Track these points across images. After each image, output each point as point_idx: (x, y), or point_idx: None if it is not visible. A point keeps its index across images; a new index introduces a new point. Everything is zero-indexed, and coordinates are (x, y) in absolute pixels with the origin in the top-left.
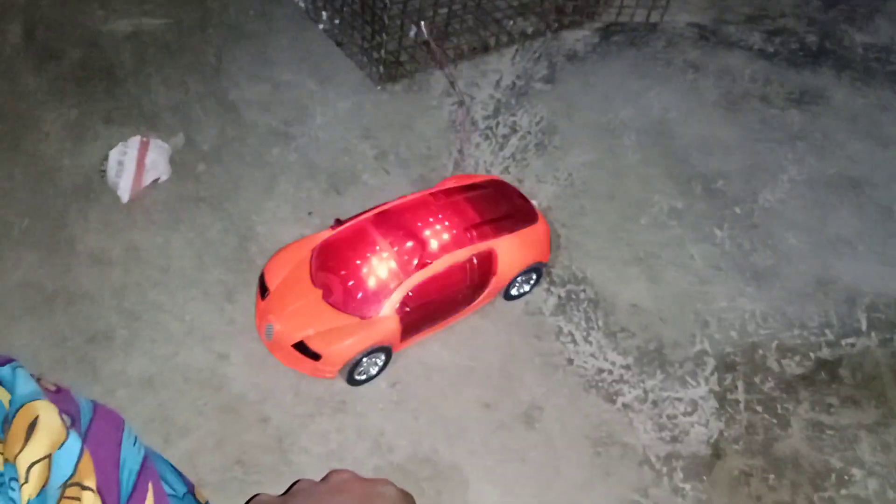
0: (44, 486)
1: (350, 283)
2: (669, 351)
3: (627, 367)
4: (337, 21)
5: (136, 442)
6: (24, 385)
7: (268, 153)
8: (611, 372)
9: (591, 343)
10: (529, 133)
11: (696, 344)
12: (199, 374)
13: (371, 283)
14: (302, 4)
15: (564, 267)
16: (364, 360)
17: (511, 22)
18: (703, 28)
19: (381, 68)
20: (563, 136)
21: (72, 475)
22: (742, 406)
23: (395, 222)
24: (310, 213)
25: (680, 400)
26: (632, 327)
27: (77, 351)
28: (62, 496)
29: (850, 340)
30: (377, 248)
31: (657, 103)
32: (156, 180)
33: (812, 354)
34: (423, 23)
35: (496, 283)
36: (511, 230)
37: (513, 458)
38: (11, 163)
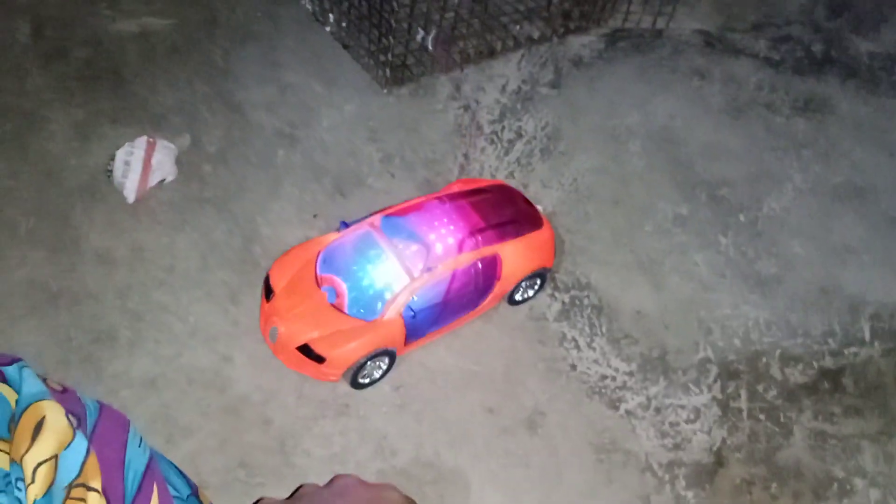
0: (50, 487)
1: (354, 286)
2: (673, 358)
3: (631, 374)
4: (344, 24)
5: (141, 443)
6: (31, 385)
7: (273, 155)
8: (614, 378)
9: (594, 349)
10: (535, 138)
11: (700, 351)
12: (202, 375)
13: (376, 286)
14: (309, 7)
15: (569, 272)
16: (368, 363)
17: (517, 27)
18: (708, 35)
19: (388, 71)
20: (569, 141)
21: (78, 476)
22: (745, 414)
23: (401, 226)
24: (315, 216)
25: (683, 407)
26: (635, 334)
27: (81, 350)
28: (68, 496)
29: (854, 349)
30: (382, 251)
31: (662, 110)
32: (162, 181)
33: (815, 363)
34: (430, 35)
35: (501, 287)
36: (516, 235)
37: (516, 464)
38: (18, 161)
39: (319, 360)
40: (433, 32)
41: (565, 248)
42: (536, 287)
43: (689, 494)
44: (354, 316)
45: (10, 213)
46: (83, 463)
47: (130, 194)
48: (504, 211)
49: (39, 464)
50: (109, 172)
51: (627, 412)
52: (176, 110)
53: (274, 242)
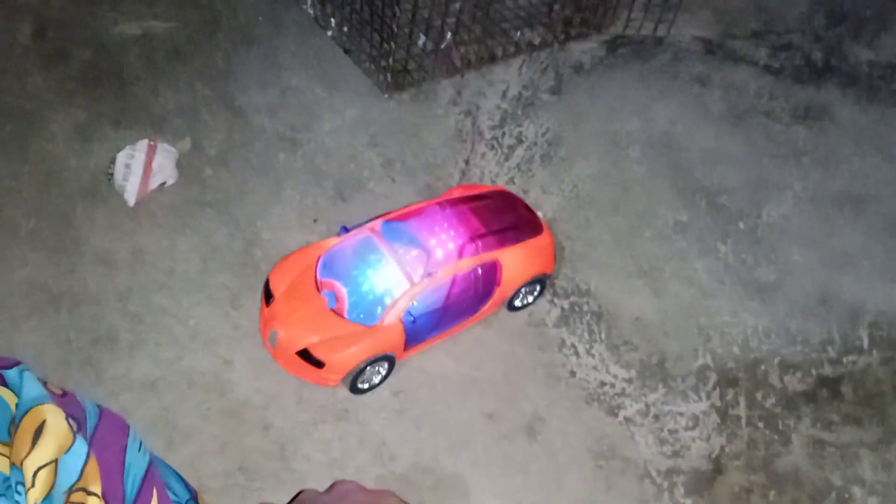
0: (50, 491)
1: (354, 291)
2: (672, 365)
3: (630, 381)
4: (346, 28)
5: (140, 447)
6: (32, 388)
7: (274, 159)
8: (613, 385)
9: (593, 356)
10: (535, 144)
11: (699, 358)
12: (202, 378)
13: (376, 291)
14: (311, 11)
15: (568, 279)
16: (367, 368)
17: (519, 33)
18: (709, 42)
19: (389, 76)
20: (569, 147)
21: (77, 480)
22: (743, 422)
23: (401, 231)
24: (315, 220)
25: (681, 414)
26: (634, 340)
27: (81, 353)
28: (67, 501)
29: (852, 358)
30: (382, 256)
31: (663, 116)
32: (162, 184)
33: (814, 371)
34: (450, 35)
35: (500, 293)
36: (516, 241)
37: (515, 470)
38: (19, 162)
39: (319, 364)
40: (448, 37)
41: (565, 255)
42: (536, 293)
43: (688, 502)
44: (354, 321)
45: (11, 213)
46: (83, 467)
47: (131, 197)
48: (504, 217)
49: (40, 468)
50: (110, 175)
51: (626, 419)
52: (177, 113)
53: (274, 246)
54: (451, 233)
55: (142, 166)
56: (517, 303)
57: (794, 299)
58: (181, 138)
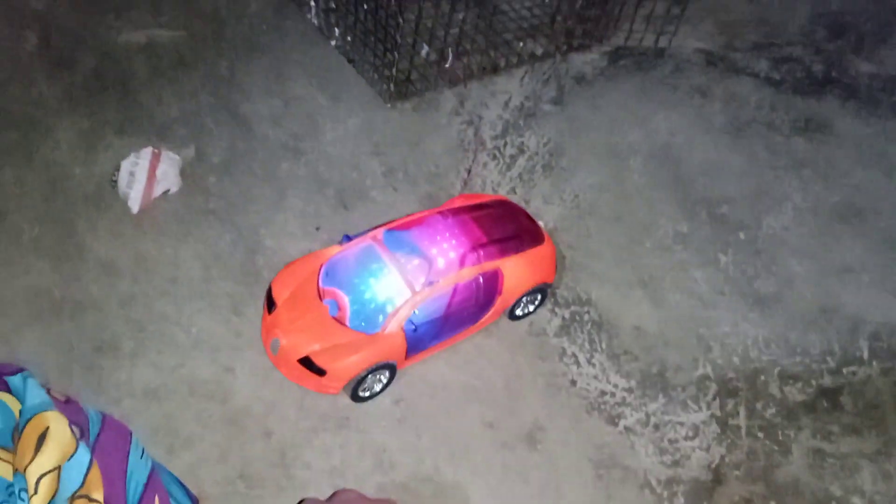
0: (52, 498)
1: (356, 299)
2: (672, 375)
3: (630, 390)
4: (349, 38)
5: (143, 454)
6: (35, 395)
7: (277, 167)
8: (613, 394)
9: (594, 365)
10: (537, 154)
11: (699, 368)
12: (204, 385)
13: (377, 300)
14: (315, 21)
15: (569, 288)
16: (368, 376)
17: (521, 43)
18: (710, 54)
19: (392, 86)
20: (570, 157)
21: (80, 487)
22: (743, 432)
23: (403, 240)
24: (318, 229)
25: (682, 424)
26: (635, 350)
27: (84, 359)
28: None
29: (852, 368)
30: (384, 265)
31: (664, 127)
32: (166, 192)
33: (814, 382)
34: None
35: (501, 302)
36: (517, 251)
37: (515, 479)
38: (23, 169)
39: (320, 372)
40: (451, 48)
41: (566, 264)
42: (537, 302)
43: None
44: (356, 329)
45: (15, 220)
46: (86, 474)
47: (135, 205)
48: (506, 226)
49: (43, 475)
50: (114, 182)
51: (626, 428)
52: (181, 121)
53: (277, 254)
54: (453, 242)
55: (145, 174)
56: (518, 312)
57: (794, 310)
58: (185, 146)
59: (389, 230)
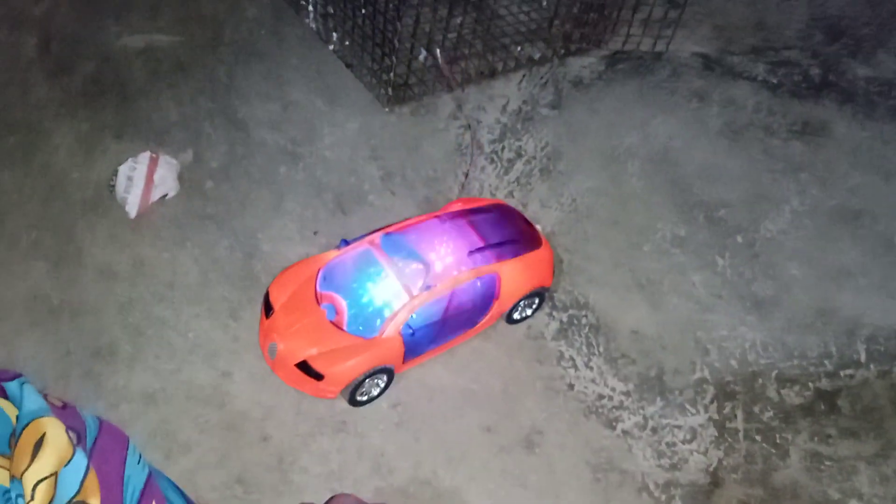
0: None
1: (354, 303)
2: (669, 378)
3: (627, 394)
4: (347, 43)
5: (140, 459)
6: (32, 401)
7: (275, 172)
8: (611, 398)
9: (591, 368)
10: (535, 158)
11: (697, 371)
12: (202, 390)
13: (375, 304)
14: (313, 25)
15: (567, 292)
16: (366, 380)
17: (519, 48)
18: (707, 58)
19: (390, 90)
20: (568, 161)
21: (77, 493)
22: (741, 435)
23: (401, 244)
24: (315, 233)
25: (679, 427)
26: (632, 354)
27: (81, 364)
28: None
29: (850, 371)
30: (382, 269)
31: (662, 131)
32: (164, 196)
33: (811, 385)
34: (438, 51)
35: (499, 306)
36: (515, 255)
37: (513, 483)
38: (22, 174)
39: (318, 377)
40: (438, 51)
41: (564, 268)
42: (535, 306)
43: None
44: (353, 333)
45: (14, 225)
46: (83, 480)
47: (132, 209)
48: (503, 230)
49: (39, 481)
50: (112, 187)
51: (624, 432)
52: (179, 126)
53: (274, 259)
54: (451, 246)
55: (143, 178)
56: (516, 316)
57: (792, 313)
58: (183, 151)
59: (387, 234)
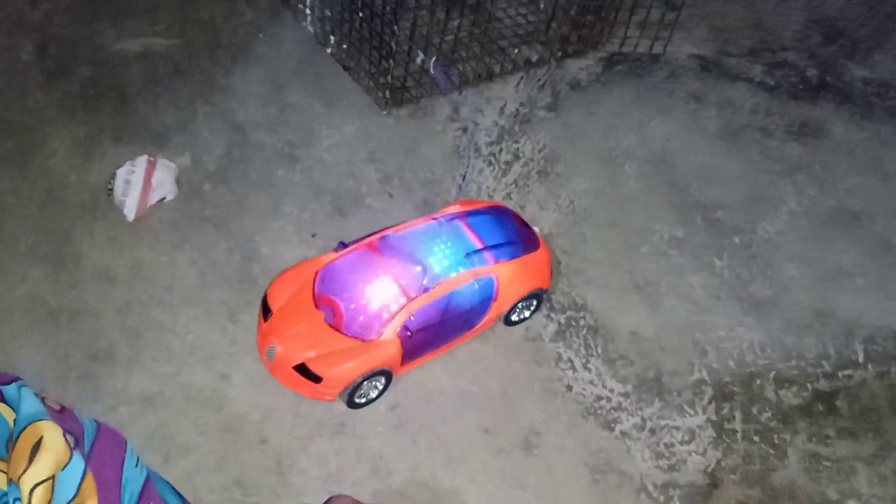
0: None
1: (352, 306)
2: (668, 379)
3: (626, 395)
4: (345, 46)
5: (137, 462)
6: (30, 404)
7: (273, 174)
8: (609, 399)
9: (590, 370)
10: (532, 160)
11: (695, 373)
12: (200, 393)
13: (373, 306)
14: (310, 29)
15: (565, 293)
16: (364, 383)
17: (516, 50)
18: (704, 60)
19: (388, 93)
20: (566, 163)
21: (74, 496)
22: (739, 436)
23: (399, 246)
24: (313, 235)
25: (678, 428)
26: (631, 355)
27: (79, 368)
28: None
29: (848, 372)
30: (380, 271)
31: (659, 133)
32: (162, 199)
33: (809, 385)
34: (431, 59)
35: (497, 308)
36: (513, 256)
37: (512, 485)
38: (20, 178)
39: (316, 379)
40: (434, 58)
41: (561, 270)
42: (533, 308)
43: None
44: (351, 335)
45: (12, 229)
46: (80, 484)
47: (130, 212)
48: (501, 232)
49: (37, 484)
50: (110, 191)
51: (622, 433)
52: (177, 129)
53: (273, 261)
54: (449, 248)
55: (141, 182)
56: (514, 317)
57: (790, 314)
58: (181, 154)
59: (385, 237)
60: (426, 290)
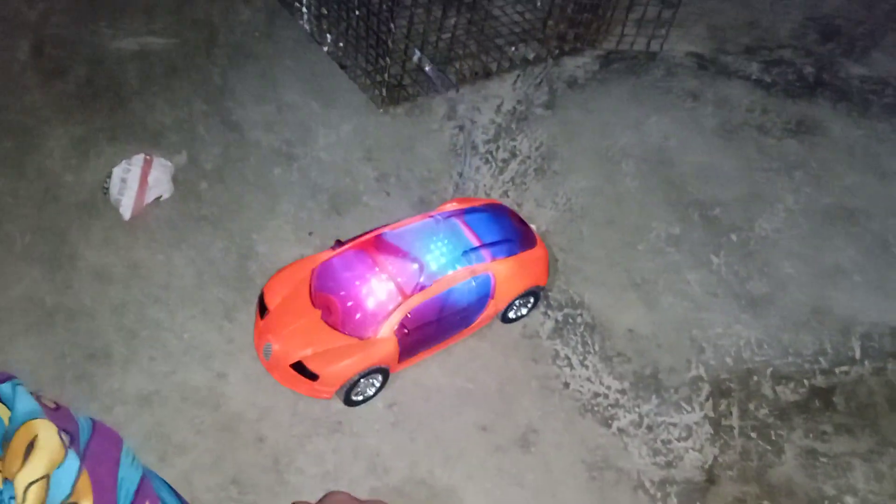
0: None
1: (349, 304)
2: (665, 376)
3: (623, 392)
4: (341, 44)
5: (133, 461)
6: (24, 403)
7: (270, 173)
8: (606, 396)
9: (587, 367)
10: (529, 158)
11: (692, 369)
12: (196, 392)
13: (370, 304)
14: (307, 27)
15: (562, 291)
16: (361, 381)
17: (513, 48)
18: (701, 57)
19: (384, 91)
20: (563, 161)
21: (69, 495)
22: (736, 432)
23: (395, 244)
24: (310, 234)
25: (675, 425)
26: (628, 352)
27: (76, 367)
28: None
29: (844, 368)
30: (377, 269)
31: (656, 131)
32: (158, 198)
33: (806, 382)
34: (428, 63)
35: (494, 306)
36: (510, 254)
37: (509, 482)
38: (16, 178)
39: (313, 377)
40: (428, 63)
41: (559, 267)
42: (530, 305)
43: None
44: (348, 333)
45: (8, 229)
46: (75, 482)
47: (127, 211)
48: (498, 230)
49: (31, 483)
50: (106, 189)
51: (620, 430)
52: (174, 128)
53: (269, 260)
54: (446, 246)
55: (138, 180)
56: (511, 315)
57: (787, 311)
58: (177, 153)
59: (382, 234)
60: (423, 287)
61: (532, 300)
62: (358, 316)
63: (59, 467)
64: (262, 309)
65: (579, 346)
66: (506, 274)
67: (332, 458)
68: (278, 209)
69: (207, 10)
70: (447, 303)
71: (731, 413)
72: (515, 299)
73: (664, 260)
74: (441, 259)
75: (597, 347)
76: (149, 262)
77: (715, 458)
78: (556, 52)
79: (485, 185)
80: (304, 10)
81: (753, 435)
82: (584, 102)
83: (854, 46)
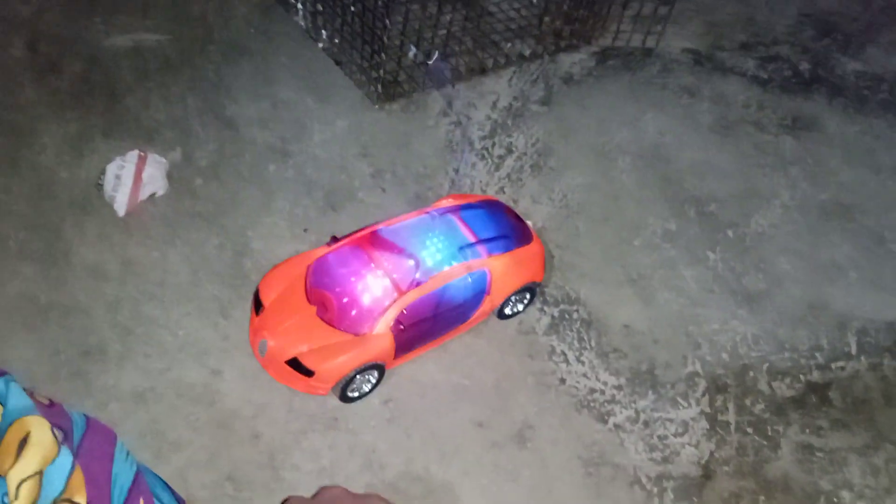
0: (34, 502)
1: (344, 300)
2: (661, 372)
3: (619, 388)
4: (337, 40)
5: (128, 457)
6: (18, 399)
7: (265, 170)
8: (603, 392)
9: (583, 363)
10: (525, 154)
11: (688, 365)
12: (192, 389)
13: (365, 300)
14: (302, 23)
15: (558, 287)
16: (357, 377)
17: (509, 44)
18: (697, 54)
19: (380, 87)
20: (559, 157)
21: (62, 491)
22: (733, 428)
23: (391, 241)
24: (305, 230)
25: (671, 421)
26: (624, 348)
27: (70, 364)
28: None
29: (840, 364)
30: (372, 265)
31: (652, 127)
32: (153, 195)
33: (802, 377)
34: (435, 55)
35: (490, 302)
36: (506, 250)
37: (505, 478)
38: (9, 175)
39: (308, 373)
40: (437, 54)
41: (555, 263)
42: (526, 301)
43: None
44: (344, 330)
45: (2, 226)
46: (68, 478)
47: (121, 208)
48: (494, 226)
49: (23, 480)
50: (100, 186)
51: (616, 426)
52: (168, 125)
53: (264, 256)
54: (441, 242)
55: (132, 177)
56: (507, 311)
57: (783, 307)
58: (172, 149)
59: (377, 231)
60: (419, 283)
61: (528, 296)
62: (353, 312)
63: (51, 464)
64: (258, 305)
65: (575, 342)
66: (502, 270)
67: (328, 454)
68: (273, 206)
69: (202, 6)
70: (443, 299)
71: (727, 408)
72: (511, 295)
73: (660, 256)
74: (437, 255)
75: (593, 343)
76: (143, 258)
77: (711, 453)
78: (552, 48)
79: (481, 182)
80: (300, 6)
81: (750, 430)
82: (580, 99)
83: (850, 42)
